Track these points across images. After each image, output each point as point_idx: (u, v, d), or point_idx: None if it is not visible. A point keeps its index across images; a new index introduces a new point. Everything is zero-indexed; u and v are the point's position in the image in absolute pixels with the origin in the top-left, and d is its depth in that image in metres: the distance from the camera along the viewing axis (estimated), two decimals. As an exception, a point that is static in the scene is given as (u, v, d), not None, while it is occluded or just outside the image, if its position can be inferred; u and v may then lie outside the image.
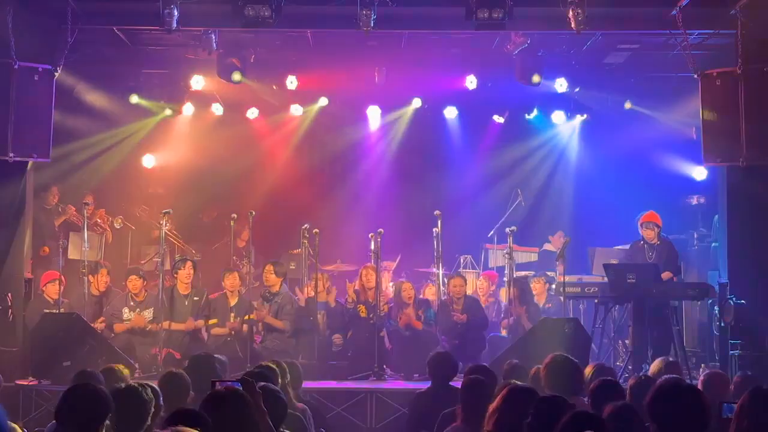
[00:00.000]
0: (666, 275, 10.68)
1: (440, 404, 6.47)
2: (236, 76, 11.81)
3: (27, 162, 10.24)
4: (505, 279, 11.35)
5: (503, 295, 11.56)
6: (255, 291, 11.20)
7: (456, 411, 6.09)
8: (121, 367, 6.73)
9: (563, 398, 4.47)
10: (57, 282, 10.53)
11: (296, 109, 13.77)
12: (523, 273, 12.40)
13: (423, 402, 7.08)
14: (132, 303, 10.71)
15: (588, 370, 6.74)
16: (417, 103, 13.64)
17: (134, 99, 12.89)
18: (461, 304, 10.90)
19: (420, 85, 13.20)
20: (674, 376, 6.09)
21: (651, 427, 4.15)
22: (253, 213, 11.14)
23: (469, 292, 11.48)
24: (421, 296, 11.51)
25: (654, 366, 7.13)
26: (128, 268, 11.68)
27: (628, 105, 13.09)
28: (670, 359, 7.75)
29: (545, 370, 6.19)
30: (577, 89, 12.96)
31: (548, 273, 12.37)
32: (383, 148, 14.36)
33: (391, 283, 12.30)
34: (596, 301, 10.71)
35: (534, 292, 11.56)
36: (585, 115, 13.67)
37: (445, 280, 11.58)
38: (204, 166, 14.09)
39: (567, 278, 10.40)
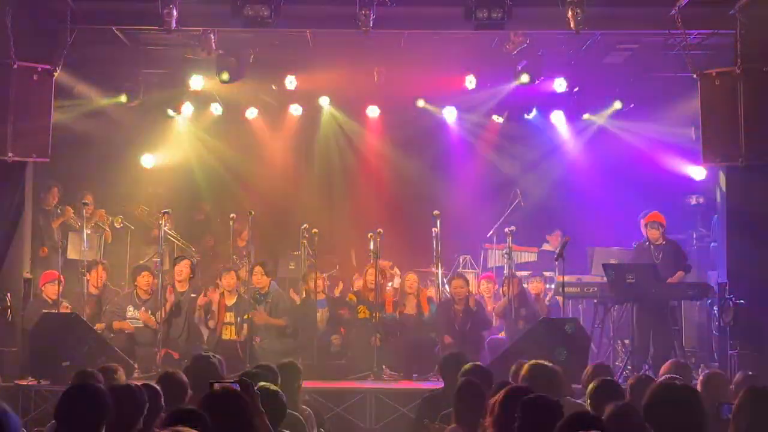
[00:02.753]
0: (679, 275, 10.70)
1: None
2: (224, 76, 11.82)
3: (26, 162, 10.24)
4: (504, 279, 11.36)
5: (502, 294, 11.54)
6: (250, 293, 11.19)
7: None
8: (118, 366, 6.72)
9: (550, 397, 4.46)
10: (56, 282, 10.50)
11: (295, 109, 13.78)
12: (524, 273, 12.42)
13: (435, 403, 6.96)
14: (138, 301, 10.70)
15: (588, 370, 6.73)
16: (416, 102, 13.64)
17: (133, 99, 12.88)
18: (462, 305, 10.91)
19: (419, 85, 13.20)
20: (672, 376, 6.13)
21: (648, 428, 4.15)
22: (253, 213, 11.16)
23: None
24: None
25: (664, 368, 7.12)
26: (138, 265, 11.66)
27: (617, 105, 13.09)
28: (681, 361, 7.74)
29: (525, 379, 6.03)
30: (576, 89, 12.96)
31: (545, 273, 12.37)
32: (382, 148, 14.35)
33: (397, 280, 12.30)
34: (595, 301, 10.71)
35: (533, 293, 11.55)
36: (584, 115, 13.67)
37: (445, 281, 11.58)
38: (203, 166, 14.09)
39: (566, 278, 10.39)
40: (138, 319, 10.59)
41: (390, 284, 11.78)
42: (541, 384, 5.61)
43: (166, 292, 10.46)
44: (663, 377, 6.26)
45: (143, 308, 10.61)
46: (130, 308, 10.67)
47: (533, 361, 6.25)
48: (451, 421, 5.90)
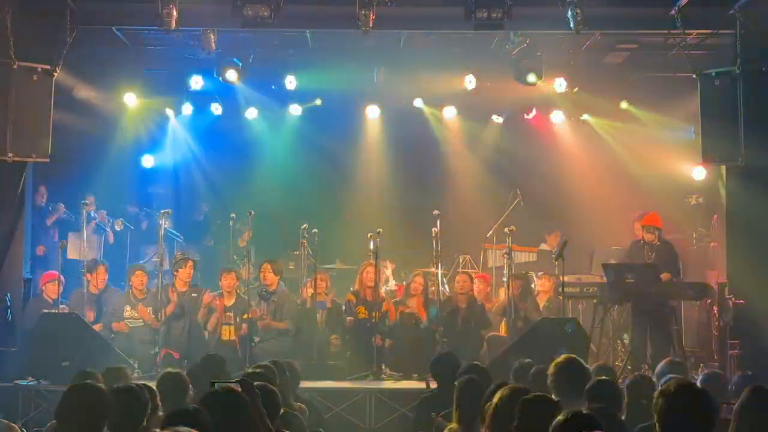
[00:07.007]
0: (665, 276, 10.69)
1: (449, 406, 6.37)
2: (232, 76, 11.83)
3: (26, 162, 10.24)
4: (504, 279, 11.33)
5: (503, 294, 11.54)
6: (254, 291, 11.20)
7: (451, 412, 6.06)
8: (120, 367, 6.72)
9: (549, 397, 4.44)
10: (56, 282, 10.52)
11: (295, 109, 13.79)
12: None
13: (430, 405, 6.94)
14: (134, 300, 10.71)
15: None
16: (416, 102, 13.65)
17: (133, 99, 12.89)
18: (465, 302, 10.91)
19: (419, 84, 13.20)
20: (679, 376, 6.11)
21: (656, 426, 4.14)
22: (252, 213, 11.15)
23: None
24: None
25: (659, 366, 7.11)
26: (132, 264, 11.68)
27: (624, 105, 13.10)
28: (676, 359, 7.73)
29: (554, 370, 5.88)
30: (576, 89, 12.96)
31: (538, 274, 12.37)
32: (382, 148, 14.35)
33: (393, 282, 12.28)
34: (595, 301, 10.71)
35: (540, 289, 11.54)
36: (584, 115, 13.67)
37: (445, 281, 11.58)
38: (203, 166, 14.10)
39: (566, 278, 10.39)
40: (136, 318, 10.60)
41: (384, 287, 11.78)
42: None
43: (168, 293, 10.47)
44: (669, 376, 6.22)
45: (141, 305, 10.62)
46: (128, 308, 10.68)
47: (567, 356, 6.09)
48: (449, 419, 5.90)
